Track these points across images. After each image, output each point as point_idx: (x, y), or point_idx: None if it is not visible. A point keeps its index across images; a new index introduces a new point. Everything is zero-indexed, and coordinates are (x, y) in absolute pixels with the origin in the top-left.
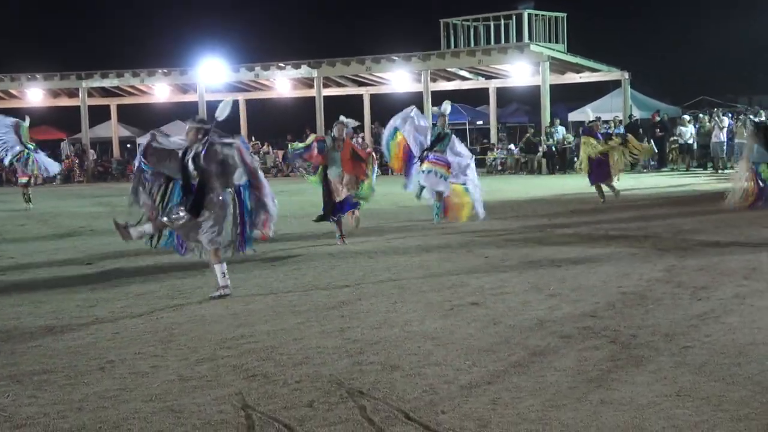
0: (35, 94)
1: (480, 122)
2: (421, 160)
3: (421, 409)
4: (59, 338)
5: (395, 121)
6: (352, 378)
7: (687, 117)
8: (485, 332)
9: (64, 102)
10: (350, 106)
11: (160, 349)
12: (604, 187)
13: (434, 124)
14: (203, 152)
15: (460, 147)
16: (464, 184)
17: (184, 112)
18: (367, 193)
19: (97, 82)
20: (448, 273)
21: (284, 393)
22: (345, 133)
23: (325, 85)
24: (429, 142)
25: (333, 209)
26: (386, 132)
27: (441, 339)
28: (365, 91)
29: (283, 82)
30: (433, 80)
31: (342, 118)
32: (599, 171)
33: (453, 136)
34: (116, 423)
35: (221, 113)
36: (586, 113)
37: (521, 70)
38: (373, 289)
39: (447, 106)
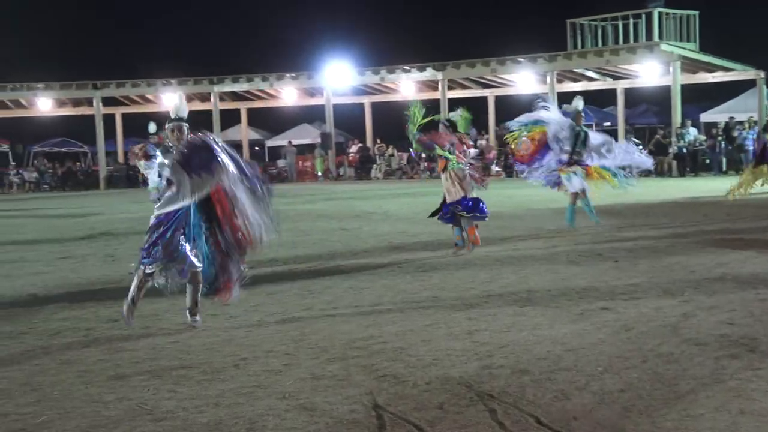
0: (170, 98)
1: (607, 124)
2: (566, 163)
3: (552, 414)
4: (195, 335)
5: (543, 115)
6: (481, 381)
7: None
8: (617, 338)
9: (197, 106)
10: (474, 108)
11: (292, 348)
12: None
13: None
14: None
15: (595, 140)
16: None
17: (311, 115)
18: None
19: (228, 87)
20: (576, 277)
21: (414, 394)
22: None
23: (450, 88)
24: (570, 146)
25: (441, 209)
26: (527, 118)
27: (571, 344)
28: (490, 93)
29: (407, 85)
30: (559, 81)
31: (451, 113)
32: None
33: (588, 131)
34: (251, 419)
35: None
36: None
37: (651, 70)
38: (500, 292)
39: (580, 103)
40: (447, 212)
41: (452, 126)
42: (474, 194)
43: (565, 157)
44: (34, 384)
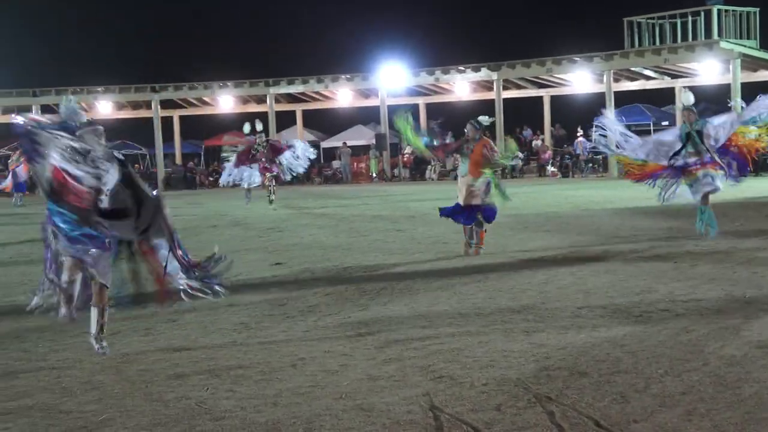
0: (226, 101)
1: (665, 123)
2: (680, 170)
3: (611, 417)
4: (253, 335)
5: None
6: (539, 383)
7: None
8: (677, 340)
9: (253, 108)
10: (529, 108)
11: (348, 348)
12: None
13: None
14: None
15: (717, 129)
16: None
17: (365, 116)
18: (505, 159)
19: (283, 89)
20: (635, 278)
21: (471, 395)
22: (477, 135)
23: (505, 88)
24: (677, 148)
25: (453, 210)
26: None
27: (630, 346)
28: (545, 93)
29: (462, 85)
30: (616, 80)
31: (480, 117)
32: None
33: (707, 124)
34: (309, 419)
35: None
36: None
37: (710, 68)
38: (557, 293)
39: (689, 96)
40: (458, 218)
41: (481, 127)
42: (486, 202)
43: (680, 161)
44: (95, 382)
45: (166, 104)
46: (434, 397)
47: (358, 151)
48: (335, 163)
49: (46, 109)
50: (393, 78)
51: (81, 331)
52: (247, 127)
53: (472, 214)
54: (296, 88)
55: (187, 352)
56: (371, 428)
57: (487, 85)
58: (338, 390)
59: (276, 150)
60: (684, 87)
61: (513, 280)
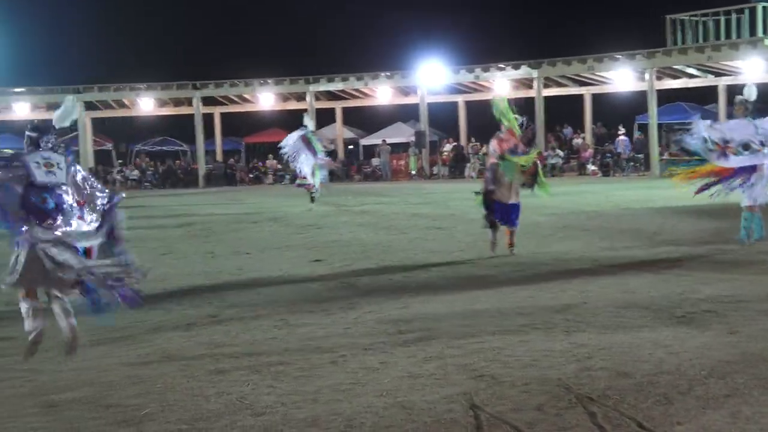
0: (267, 98)
1: (708, 122)
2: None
3: (654, 419)
4: (293, 331)
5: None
6: (580, 383)
7: None
8: (721, 341)
9: (293, 105)
10: (570, 106)
11: (389, 346)
12: None
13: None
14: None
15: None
16: None
17: (405, 114)
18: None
19: (323, 86)
20: (677, 278)
21: (512, 395)
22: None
23: (545, 86)
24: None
25: (491, 207)
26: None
27: (673, 347)
28: (586, 91)
29: (502, 83)
30: (659, 78)
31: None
32: None
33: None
34: (349, 416)
35: (61, 120)
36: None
37: (754, 66)
38: (598, 293)
39: (753, 91)
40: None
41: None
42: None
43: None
44: (137, 377)
45: (207, 101)
46: (475, 396)
47: (398, 149)
48: (374, 161)
49: (90, 105)
50: (433, 75)
51: (122, 326)
52: (308, 120)
53: (507, 213)
54: (336, 86)
55: (228, 347)
56: (412, 426)
57: (527, 83)
58: (379, 388)
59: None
60: (750, 83)
61: (553, 279)
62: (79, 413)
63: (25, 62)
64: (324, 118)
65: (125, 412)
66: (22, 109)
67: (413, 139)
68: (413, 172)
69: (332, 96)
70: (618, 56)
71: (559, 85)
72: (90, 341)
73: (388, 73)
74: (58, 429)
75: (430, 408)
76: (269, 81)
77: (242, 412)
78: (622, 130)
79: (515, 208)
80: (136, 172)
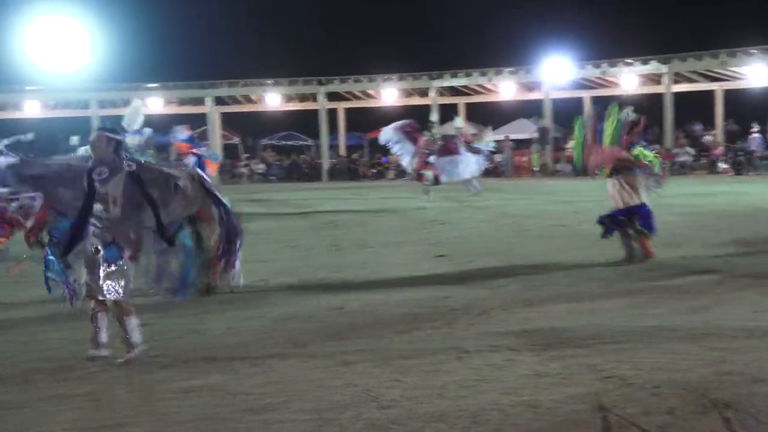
0: (390, 94)
1: None
2: None
3: None
4: (418, 326)
5: None
6: (713, 387)
7: None
8: None
9: (416, 101)
10: (700, 102)
11: (514, 343)
12: None
13: None
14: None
15: None
16: None
17: (529, 110)
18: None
19: (446, 82)
20: None
21: (642, 397)
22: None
23: (675, 81)
24: None
25: (611, 216)
26: None
27: None
28: (718, 87)
29: (629, 79)
30: None
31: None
32: None
33: None
34: (475, 413)
35: (131, 121)
36: None
37: None
38: (731, 295)
39: None
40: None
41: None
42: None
43: None
44: (264, 366)
45: (332, 97)
46: (603, 397)
47: (520, 145)
48: (497, 157)
49: (219, 101)
50: (557, 71)
51: (249, 317)
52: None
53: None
54: (459, 81)
55: (354, 340)
56: (538, 425)
57: (655, 79)
58: (504, 385)
59: (448, 151)
60: None
61: (684, 279)
62: (207, 400)
63: (159, 59)
64: (447, 113)
65: (252, 401)
66: (155, 104)
67: (536, 135)
68: (536, 169)
69: (455, 92)
70: (753, 51)
71: (689, 80)
72: (219, 330)
73: (512, 69)
74: (188, 414)
75: (557, 407)
76: (393, 77)
77: (368, 405)
78: (756, 128)
79: (642, 209)
80: (262, 166)
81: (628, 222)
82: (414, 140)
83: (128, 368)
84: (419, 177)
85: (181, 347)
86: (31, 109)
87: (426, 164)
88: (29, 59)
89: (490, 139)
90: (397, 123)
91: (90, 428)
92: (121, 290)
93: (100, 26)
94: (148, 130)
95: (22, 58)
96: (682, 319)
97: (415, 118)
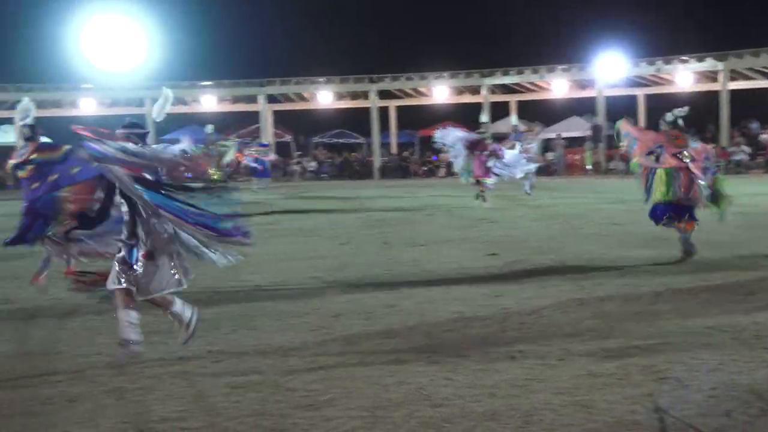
0: (441, 91)
1: None
2: None
3: None
4: (470, 325)
5: None
6: None
7: None
8: None
9: (467, 99)
10: (757, 100)
11: (567, 343)
12: None
13: None
14: None
15: None
16: None
17: (581, 107)
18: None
19: (498, 80)
20: None
21: (698, 399)
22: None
23: (731, 79)
24: None
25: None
26: None
27: None
28: None
29: (684, 76)
30: None
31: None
32: None
33: None
34: (527, 412)
35: (159, 113)
36: None
37: None
38: None
39: None
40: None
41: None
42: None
43: None
44: (318, 363)
45: (383, 95)
46: (659, 398)
47: (573, 143)
48: (549, 155)
49: (271, 98)
50: (611, 68)
51: (303, 313)
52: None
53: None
54: (511, 79)
55: (406, 338)
56: (592, 426)
57: (711, 76)
58: (557, 385)
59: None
60: None
61: (742, 280)
62: (260, 395)
63: (213, 57)
64: (498, 111)
65: (308, 397)
66: (209, 102)
67: (589, 133)
68: (588, 167)
69: (507, 89)
70: None
71: (746, 78)
72: (272, 326)
73: (565, 66)
74: (243, 409)
75: (611, 408)
76: (444, 74)
77: (421, 403)
78: None
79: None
80: (313, 164)
81: (676, 216)
82: (471, 149)
83: (182, 363)
84: (478, 183)
85: (234, 342)
86: (87, 107)
87: (487, 171)
88: (85, 58)
89: (532, 139)
90: (462, 133)
91: (148, 421)
92: (123, 281)
93: (155, 25)
94: (210, 127)
95: (78, 57)
96: (738, 321)
97: (467, 116)
